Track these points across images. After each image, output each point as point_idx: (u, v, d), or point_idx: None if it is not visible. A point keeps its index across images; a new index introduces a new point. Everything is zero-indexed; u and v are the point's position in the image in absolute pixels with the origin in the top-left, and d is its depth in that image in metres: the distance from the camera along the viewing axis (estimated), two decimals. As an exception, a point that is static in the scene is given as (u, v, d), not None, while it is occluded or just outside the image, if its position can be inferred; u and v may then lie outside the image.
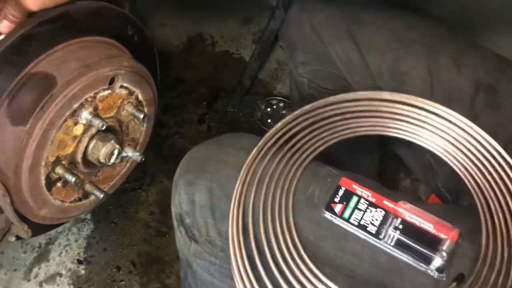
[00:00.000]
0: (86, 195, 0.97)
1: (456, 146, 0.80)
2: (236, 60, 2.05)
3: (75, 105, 0.83)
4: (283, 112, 1.84)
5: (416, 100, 0.83)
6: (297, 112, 0.82)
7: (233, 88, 1.88)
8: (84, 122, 0.86)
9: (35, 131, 0.79)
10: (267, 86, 1.95)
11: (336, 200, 0.71)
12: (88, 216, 1.53)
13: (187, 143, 1.79)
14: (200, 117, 1.87)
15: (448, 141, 0.81)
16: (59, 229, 1.48)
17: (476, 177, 0.76)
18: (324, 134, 0.81)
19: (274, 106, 1.86)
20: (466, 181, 0.76)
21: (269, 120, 1.83)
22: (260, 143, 0.78)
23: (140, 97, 0.97)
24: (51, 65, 0.82)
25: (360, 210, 0.70)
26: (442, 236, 0.68)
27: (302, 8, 1.12)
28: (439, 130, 0.81)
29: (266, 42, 1.73)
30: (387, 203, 0.70)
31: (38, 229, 0.94)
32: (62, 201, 0.92)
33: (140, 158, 0.99)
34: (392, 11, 1.11)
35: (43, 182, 0.85)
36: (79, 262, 1.44)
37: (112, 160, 0.93)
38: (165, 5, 2.22)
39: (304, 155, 0.78)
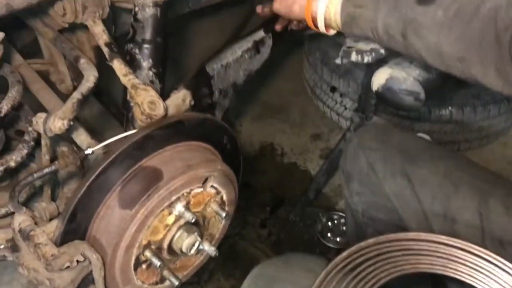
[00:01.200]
0: (162, 280, 1.05)
1: (510, 291, 0.83)
2: (302, 172, 2.17)
3: (173, 198, 0.96)
4: (344, 228, 1.90)
5: (471, 247, 0.88)
6: (362, 244, 0.88)
7: (297, 198, 1.98)
8: (177, 213, 0.98)
9: (138, 216, 0.92)
10: (330, 200, 2.03)
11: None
12: (146, 303, 1.60)
13: (247, 245, 1.86)
14: (262, 221, 1.96)
15: (502, 285, 0.84)
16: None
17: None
18: (387, 267, 0.85)
19: (335, 221, 1.92)
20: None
21: (329, 234, 1.88)
22: (328, 268, 0.83)
23: (224, 197, 1.09)
24: (160, 161, 0.97)
25: None
26: None
27: (360, 143, 1.22)
28: (493, 275, 0.85)
29: (334, 160, 1.85)
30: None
31: (116, 305, 1.03)
32: (143, 282, 1.01)
33: (215, 253, 1.07)
34: (443, 152, 1.20)
35: (132, 262, 0.96)
36: None
37: (192, 251, 1.02)
38: (244, 114, 2.44)
39: (368, 285, 0.83)
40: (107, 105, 1.50)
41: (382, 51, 1.28)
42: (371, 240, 0.89)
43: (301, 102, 2.50)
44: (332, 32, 1.15)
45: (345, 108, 2.19)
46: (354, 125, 1.75)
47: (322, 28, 1.12)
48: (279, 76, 2.65)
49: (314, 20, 1.12)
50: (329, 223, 1.91)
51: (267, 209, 2.00)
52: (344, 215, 1.92)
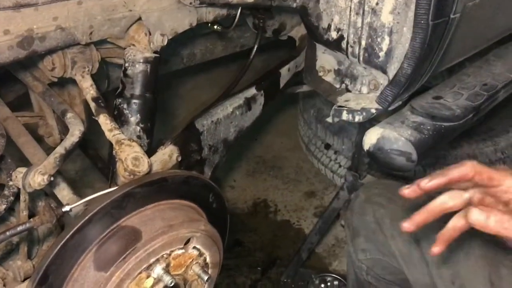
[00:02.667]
0: None
1: None
2: (295, 231, 2.12)
3: (152, 260, 0.91)
4: (337, 291, 1.82)
5: None
6: None
7: (289, 258, 1.92)
8: (155, 276, 0.93)
9: (113, 279, 0.87)
10: (323, 261, 1.96)
11: None
12: None
13: (236, 308, 1.78)
14: (253, 283, 1.88)
15: None
16: None
17: None
18: None
19: (328, 283, 1.84)
20: None
21: (321, 297, 1.80)
22: None
23: (208, 259, 1.04)
24: (140, 221, 0.93)
25: None
26: None
27: (368, 199, 1.20)
28: None
29: (327, 219, 1.81)
30: None
31: None
32: None
33: (196, 319, 1.01)
34: (454, 213, 1.16)
35: (106, 328, 0.89)
36: None
37: (170, 317, 0.96)
38: (237, 169, 2.42)
39: None
40: (94, 160, 1.48)
41: (373, 110, 1.26)
42: None
43: (295, 159, 2.48)
44: None
45: (340, 166, 2.17)
46: (348, 183, 1.72)
47: None
48: (274, 132, 2.65)
49: None
50: (322, 286, 1.84)
51: (258, 270, 1.93)
52: (337, 277, 1.85)
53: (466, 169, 0.80)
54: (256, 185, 2.35)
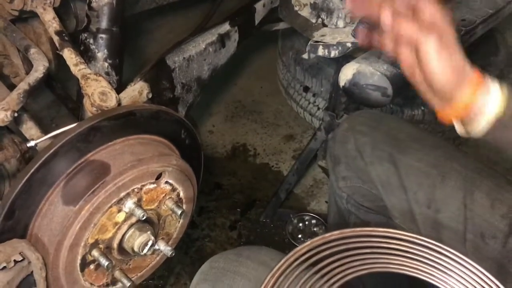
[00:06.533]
0: (114, 282, 0.99)
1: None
2: (274, 173, 2.13)
3: (122, 194, 0.90)
4: (315, 229, 1.86)
5: (451, 253, 0.83)
6: (326, 235, 0.82)
7: (268, 199, 1.93)
8: (127, 210, 0.92)
9: (82, 213, 0.86)
10: (301, 201, 1.99)
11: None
12: (107, 307, 1.52)
13: (216, 248, 1.81)
14: (232, 223, 1.91)
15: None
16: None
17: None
18: (353, 264, 0.80)
19: (306, 222, 1.87)
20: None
21: (299, 236, 1.83)
22: (282, 261, 0.76)
23: (181, 194, 1.03)
24: (109, 155, 0.91)
25: None
26: None
27: (350, 128, 1.19)
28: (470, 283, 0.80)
29: (305, 159, 1.81)
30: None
31: (62, 309, 0.96)
32: (91, 284, 0.95)
33: (170, 253, 1.02)
34: (433, 140, 1.16)
35: (78, 262, 0.89)
36: None
37: (144, 251, 0.97)
38: (217, 115, 2.39)
39: (331, 281, 0.76)
40: (64, 100, 1.43)
41: (349, 44, 1.24)
42: (336, 232, 0.83)
43: (275, 103, 2.46)
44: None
45: (318, 109, 2.15)
46: (325, 124, 1.72)
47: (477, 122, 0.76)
48: (254, 76, 2.61)
49: (468, 110, 0.75)
50: (300, 224, 1.87)
51: (237, 211, 1.95)
52: (315, 216, 1.88)
53: None
54: (235, 129, 2.33)
